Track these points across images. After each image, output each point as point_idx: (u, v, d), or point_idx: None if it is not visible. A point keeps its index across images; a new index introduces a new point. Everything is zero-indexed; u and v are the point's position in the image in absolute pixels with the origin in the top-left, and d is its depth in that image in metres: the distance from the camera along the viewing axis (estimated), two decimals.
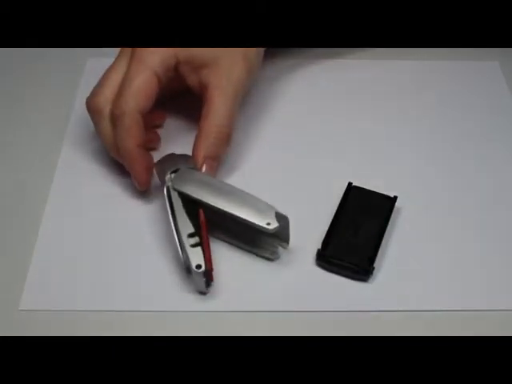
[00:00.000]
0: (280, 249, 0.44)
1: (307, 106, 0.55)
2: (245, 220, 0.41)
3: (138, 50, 0.46)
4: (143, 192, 0.47)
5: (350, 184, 0.47)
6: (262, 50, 0.51)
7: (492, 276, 0.44)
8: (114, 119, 0.45)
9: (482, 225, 0.46)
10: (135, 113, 0.44)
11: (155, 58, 0.46)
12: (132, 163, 0.45)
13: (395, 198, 0.46)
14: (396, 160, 0.51)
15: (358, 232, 0.44)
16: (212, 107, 0.46)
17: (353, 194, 0.47)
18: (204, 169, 0.46)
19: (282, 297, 0.42)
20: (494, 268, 0.44)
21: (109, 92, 0.46)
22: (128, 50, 0.47)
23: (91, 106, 0.47)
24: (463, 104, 0.55)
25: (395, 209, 0.46)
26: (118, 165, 0.49)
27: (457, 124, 0.54)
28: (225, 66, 0.47)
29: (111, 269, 0.44)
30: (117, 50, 0.56)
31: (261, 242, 0.44)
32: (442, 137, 0.53)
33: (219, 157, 0.47)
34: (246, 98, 0.52)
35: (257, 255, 0.44)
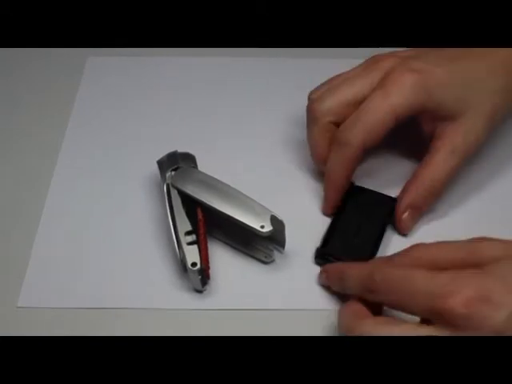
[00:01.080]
0: (276, 252, 0.44)
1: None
2: (239, 222, 0.41)
3: (388, 82, 0.42)
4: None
5: (350, 184, 0.47)
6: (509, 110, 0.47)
7: None
8: (337, 142, 0.43)
9: (482, 225, 0.46)
10: (360, 149, 0.43)
11: (402, 99, 0.42)
12: (329, 188, 0.45)
13: (395, 197, 0.46)
14: (396, 160, 0.50)
15: (358, 232, 0.44)
16: (435, 159, 0.44)
17: (353, 193, 0.46)
18: (405, 216, 0.44)
19: (279, 295, 0.42)
20: None
21: (334, 104, 0.44)
22: (376, 65, 0.44)
23: (311, 108, 0.45)
24: None
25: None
26: (116, 164, 0.49)
27: None
28: (467, 125, 0.44)
29: (108, 266, 0.44)
30: (117, 50, 0.57)
31: (256, 244, 0.44)
32: None
33: (422, 209, 0.45)
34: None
35: (252, 257, 0.44)
